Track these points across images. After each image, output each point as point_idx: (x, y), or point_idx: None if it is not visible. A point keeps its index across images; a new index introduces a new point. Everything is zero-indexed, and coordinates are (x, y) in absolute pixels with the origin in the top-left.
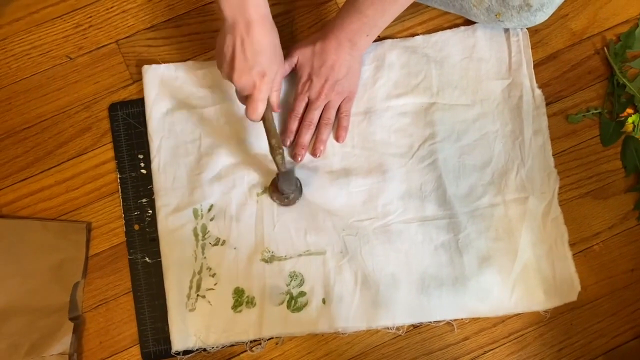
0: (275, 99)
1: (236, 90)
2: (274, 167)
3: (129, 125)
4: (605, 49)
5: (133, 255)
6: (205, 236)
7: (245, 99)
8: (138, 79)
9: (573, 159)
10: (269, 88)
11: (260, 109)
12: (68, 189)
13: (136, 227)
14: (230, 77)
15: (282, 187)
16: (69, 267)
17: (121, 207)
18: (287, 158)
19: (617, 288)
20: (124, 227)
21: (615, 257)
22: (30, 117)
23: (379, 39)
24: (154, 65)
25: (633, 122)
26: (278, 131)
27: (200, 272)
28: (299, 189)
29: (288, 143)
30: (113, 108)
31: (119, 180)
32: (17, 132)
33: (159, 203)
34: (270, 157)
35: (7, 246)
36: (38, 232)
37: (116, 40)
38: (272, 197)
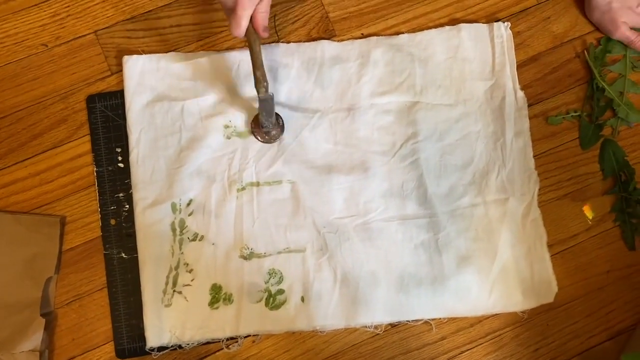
0: (260, 21)
1: (222, 4)
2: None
3: (107, 118)
4: (585, 52)
5: (109, 250)
6: (183, 231)
7: (229, 13)
8: (116, 70)
9: (552, 160)
10: (252, 4)
11: (241, 24)
12: (42, 182)
13: (112, 221)
14: None
15: (262, 120)
16: (41, 261)
17: (97, 201)
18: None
19: (593, 289)
20: (100, 222)
21: (591, 259)
22: (4, 107)
23: (364, 36)
24: (134, 56)
25: (611, 126)
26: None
27: (177, 268)
28: (281, 127)
29: None
30: (91, 100)
31: (95, 174)
32: None
33: (136, 196)
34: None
35: None
36: (10, 225)
37: (95, 30)
38: (254, 134)
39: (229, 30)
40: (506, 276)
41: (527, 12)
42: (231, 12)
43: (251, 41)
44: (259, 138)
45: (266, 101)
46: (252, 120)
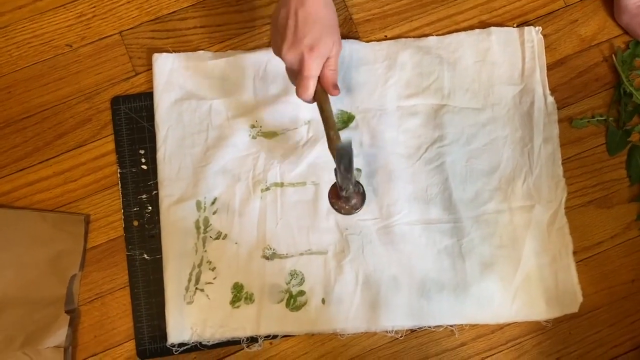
0: (330, 79)
1: (287, 69)
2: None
3: (130, 120)
4: (613, 56)
5: (131, 251)
6: (207, 229)
7: (295, 76)
8: (140, 71)
9: (578, 166)
10: (319, 64)
11: (309, 87)
12: (66, 181)
13: (135, 223)
14: (279, 51)
15: (341, 182)
16: (66, 259)
17: (120, 202)
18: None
19: (617, 298)
20: (123, 223)
21: (616, 267)
22: (30, 106)
23: (387, 38)
24: (164, 54)
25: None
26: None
27: (200, 265)
28: (362, 194)
29: None
30: (115, 102)
31: (119, 176)
32: (16, 122)
33: (162, 193)
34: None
35: (3, 236)
36: (36, 223)
37: (120, 31)
38: (333, 207)
39: (297, 94)
40: (529, 284)
41: (554, 14)
42: (296, 75)
43: (321, 102)
44: (338, 209)
45: (345, 152)
46: (329, 191)
